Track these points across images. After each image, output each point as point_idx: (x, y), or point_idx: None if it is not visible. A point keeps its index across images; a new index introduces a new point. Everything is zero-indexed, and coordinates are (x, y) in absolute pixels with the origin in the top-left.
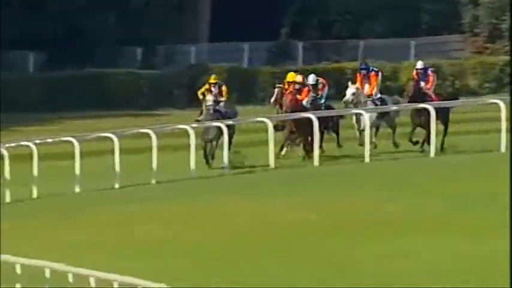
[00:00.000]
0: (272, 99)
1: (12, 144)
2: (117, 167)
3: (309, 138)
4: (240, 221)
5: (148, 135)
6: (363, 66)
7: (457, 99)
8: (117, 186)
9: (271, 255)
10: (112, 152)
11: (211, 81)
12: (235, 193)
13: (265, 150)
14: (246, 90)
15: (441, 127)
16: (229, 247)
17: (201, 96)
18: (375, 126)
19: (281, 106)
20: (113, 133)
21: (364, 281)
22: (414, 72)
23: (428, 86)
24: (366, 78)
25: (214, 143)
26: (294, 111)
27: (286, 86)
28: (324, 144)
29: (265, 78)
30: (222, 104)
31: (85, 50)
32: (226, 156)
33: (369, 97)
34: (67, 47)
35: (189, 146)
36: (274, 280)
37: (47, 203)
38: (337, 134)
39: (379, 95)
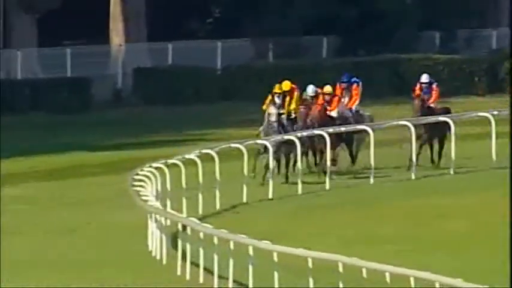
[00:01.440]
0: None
1: (304, 134)
2: (414, 157)
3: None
4: None
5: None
6: (344, 79)
7: (449, 113)
8: (413, 177)
9: None
10: (409, 140)
11: (276, 91)
12: None
13: None
14: None
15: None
16: None
17: (264, 108)
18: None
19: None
20: (409, 121)
21: None
22: (418, 86)
23: (431, 100)
24: (347, 90)
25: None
26: (322, 125)
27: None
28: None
29: None
30: (283, 116)
31: (381, 35)
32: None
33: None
34: (362, 32)
35: (489, 134)
36: None
37: (339, 195)
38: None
39: (357, 109)
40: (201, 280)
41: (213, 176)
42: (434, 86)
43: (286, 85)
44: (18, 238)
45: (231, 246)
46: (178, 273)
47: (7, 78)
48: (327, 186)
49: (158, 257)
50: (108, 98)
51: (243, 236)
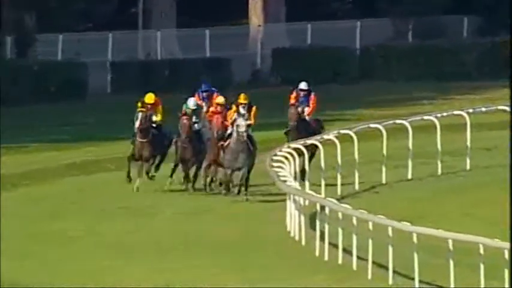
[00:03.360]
0: (137, 125)
1: (444, 114)
2: None
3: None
4: None
5: None
6: (204, 88)
7: (319, 121)
8: None
9: None
10: None
11: (241, 101)
12: None
13: None
14: None
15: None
16: None
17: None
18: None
19: (141, 131)
20: None
21: None
22: (294, 94)
23: (309, 111)
24: (206, 99)
25: (244, 170)
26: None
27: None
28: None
29: None
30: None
31: None
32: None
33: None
34: (503, 11)
35: None
36: None
37: (479, 176)
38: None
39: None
40: (340, 261)
41: (352, 156)
42: (312, 95)
43: (150, 98)
44: (149, 219)
45: (370, 226)
46: (317, 253)
47: (147, 58)
48: (468, 167)
49: (297, 238)
50: (247, 78)
51: (381, 216)
